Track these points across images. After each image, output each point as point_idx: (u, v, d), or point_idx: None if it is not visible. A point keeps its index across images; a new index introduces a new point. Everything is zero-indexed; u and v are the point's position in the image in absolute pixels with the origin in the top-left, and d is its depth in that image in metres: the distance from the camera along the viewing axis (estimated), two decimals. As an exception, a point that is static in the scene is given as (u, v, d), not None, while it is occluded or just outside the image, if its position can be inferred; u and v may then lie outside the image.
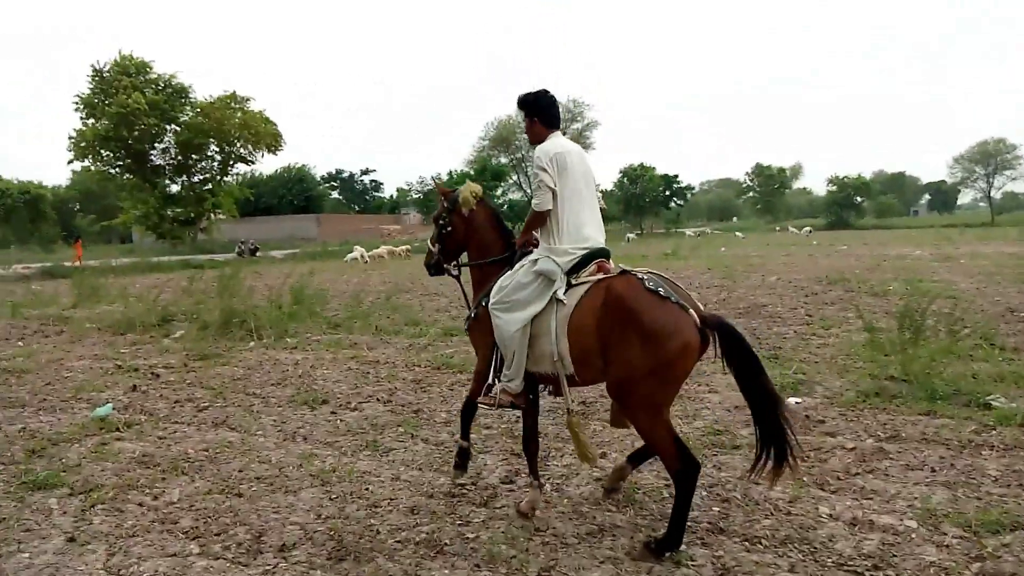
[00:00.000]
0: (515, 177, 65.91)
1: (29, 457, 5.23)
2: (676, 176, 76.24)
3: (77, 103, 41.85)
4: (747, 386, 3.39)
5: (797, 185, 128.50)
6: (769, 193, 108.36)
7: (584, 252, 3.75)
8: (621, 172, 76.06)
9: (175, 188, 46.88)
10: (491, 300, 3.89)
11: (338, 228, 59.14)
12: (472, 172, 61.19)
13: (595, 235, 3.86)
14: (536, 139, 4.01)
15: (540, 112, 4.01)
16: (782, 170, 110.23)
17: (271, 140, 46.42)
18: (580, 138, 63.80)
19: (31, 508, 4.28)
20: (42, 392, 7.46)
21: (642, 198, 74.12)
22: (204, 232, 47.95)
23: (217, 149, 46.12)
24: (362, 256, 31.35)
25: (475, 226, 4.31)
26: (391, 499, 4.26)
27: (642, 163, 75.05)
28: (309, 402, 6.66)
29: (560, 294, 3.63)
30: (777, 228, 74.11)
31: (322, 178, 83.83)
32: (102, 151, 42.56)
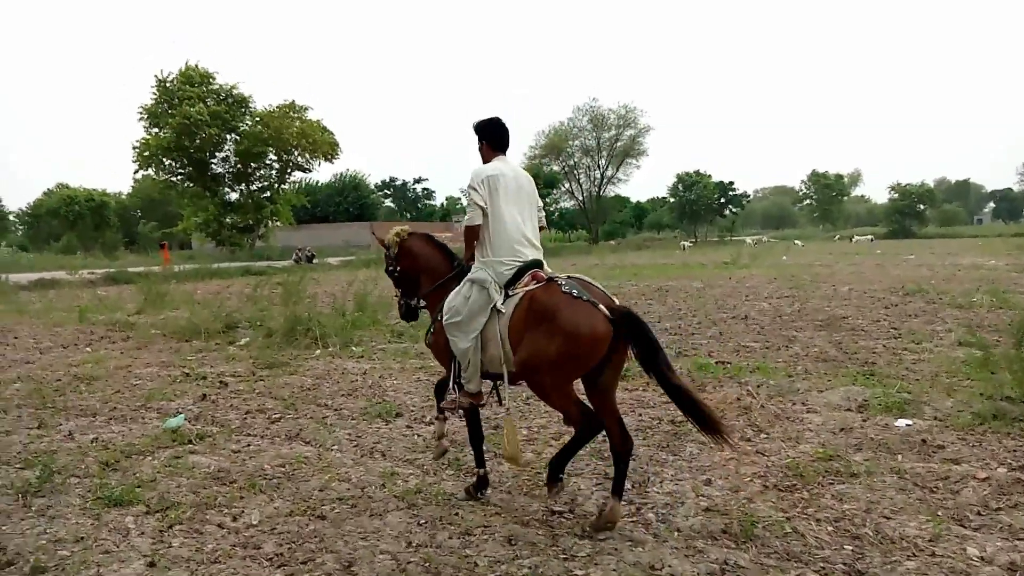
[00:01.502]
0: (567, 185, 65.64)
1: (103, 470, 5.08)
2: (731, 183, 74.92)
3: (141, 113, 42.87)
4: (650, 366, 3.86)
5: (855, 192, 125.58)
6: (827, 201, 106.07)
7: (519, 265, 4.14)
8: (676, 178, 75.14)
9: (234, 196, 47.67)
10: (444, 318, 4.24)
11: (392, 235, 59.34)
12: (525, 180, 61.09)
13: (529, 249, 4.22)
14: (485, 159, 4.41)
15: (489, 136, 4.41)
16: (840, 177, 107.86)
17: (328, 149, 46.89)
18: (633, 144, 63.24)
19: (108, 527, 4.09)
20: (112, 400, 7.37)
21: (697, 205, 73.03)
22: (262, 239, 48.61)
23: (275, 158, 46.75)
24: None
25: (415, 256, 4.73)
26: (484, 526, 3.96)
27: (697, 170, 74.06)
28: (383, 415, 6.42)
29: (499, 305, 4.03)
30: (836, 236, 72.31)
31: (376, 186, 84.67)
32: (165, 160, 43.51)
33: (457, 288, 4.27)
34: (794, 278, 20.74)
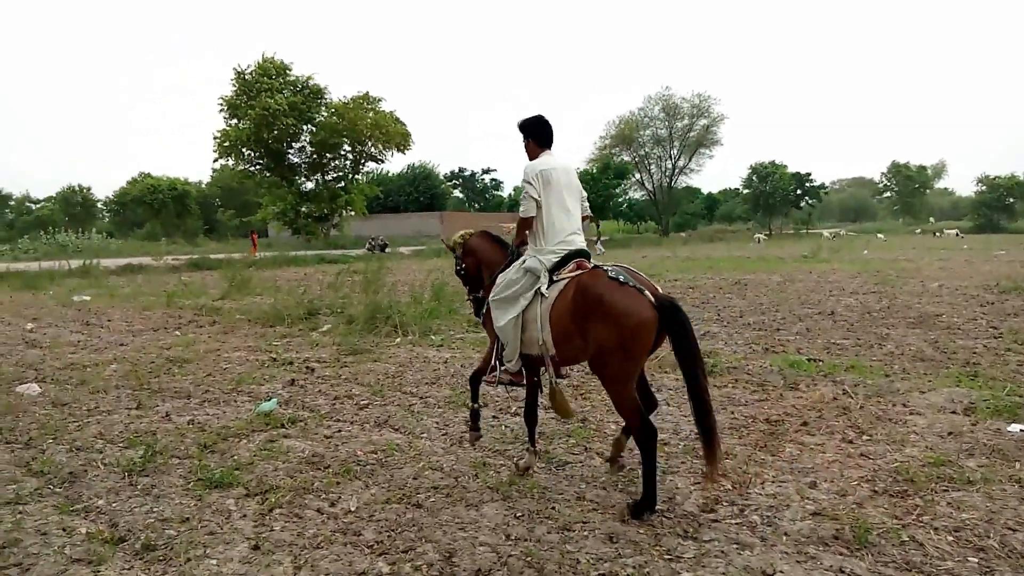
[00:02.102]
0: (637, 175, 64.82)
1: (202, 452, 5.20)
2: (808, 174, 72.77)
3: (221, 104, 44.13)
4: (684, 356, 3.92)
5: (938, 185, 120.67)
6: (908, 193, 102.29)
7: (565, 252, 4.37)
8: (750, 169, 73.44)
9: (310, 186, 48.71)
10: (490, 296, 4.60)
11: (460, 225, 59.47)
12: (594, 170, 60.59)
13: (575, 239, 4.46)
14: (531, 156, 4.64)
15: (534, 134, 4.64)
16: (923, 169, 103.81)
17: (400, 139, 47.44)
18: (707, 134, 62.00)
19: (211, 508, 4.17)
20: (204, 383, 7.57)
21: (772, 197, 71.21)
22: (336, 228, 49.59)
23: (350, 148, 47.56)
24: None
25: (475, 252, 5.09)
26: (583, 522, 3.88)
27: (772, 160, 72.24)
28: (468, 404, 6.39)
29: (543, 289, 4.26)
30: (918, 230, 69.64)
31: (445, 176, 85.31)
32: (244, 150, 44.73)
33: (507, 271, 4.57)
34: (879, 273, 20.01)
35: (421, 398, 6.75)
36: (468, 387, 5.09)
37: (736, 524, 3.84)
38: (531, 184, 4.42)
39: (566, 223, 4.42)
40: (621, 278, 3.97)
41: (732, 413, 5.98)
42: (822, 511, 3.96)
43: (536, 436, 4.91)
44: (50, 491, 4.51)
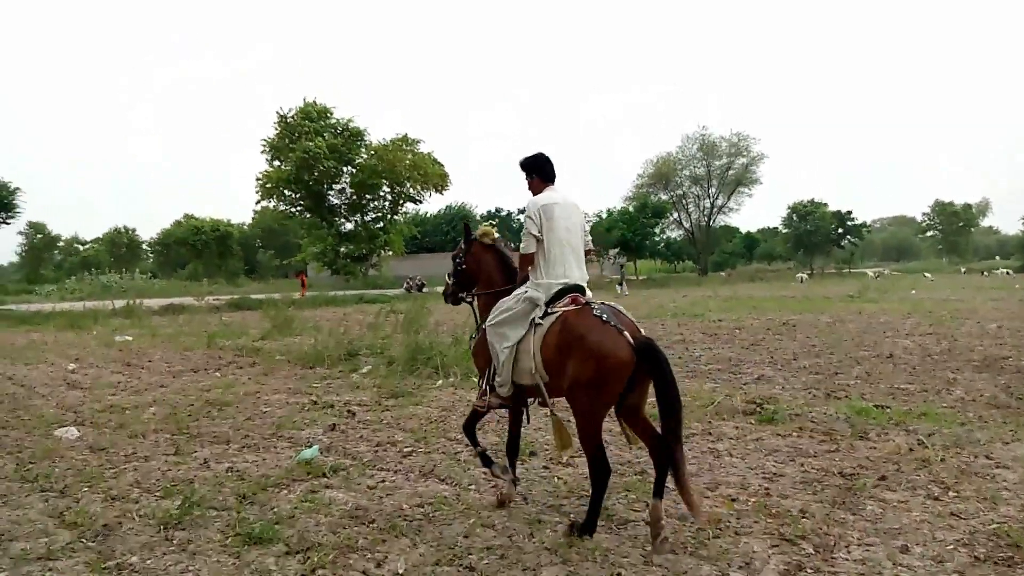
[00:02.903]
0: (676, 214, 64.34)
1: (241, 504, 4.94)
2: (849, 212, 71.61)
3: (264, 146, 44.94)
4: (662, 398, 4.04)
5: (983, 223, 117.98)
6: (953, 232, 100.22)
7: (561, 286, 4.45)
8: (789, 208, 72.52)
9: (349, 226, 49.15)
10: (488, 321, 4.64)
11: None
12: (631, 209, 60.32)
13: (573, 273, 4.55)
14: (535, 192, 4.74)
15: (537, 170, 4.76)
16: (968, 207, 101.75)
17: (438, 180, 47.79)
18: (746, 173, 61.50)
19: (250, 567, 3.89)
20: (244, 428, 7.36)
21: (813, 236, 70.12)
22: (375, 268, 49.86)
23: (388, 189, 48.00)
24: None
25: (485, 265, 5.08)
26: (654, 591, 3.52)
27: (812, 199, 71.28)
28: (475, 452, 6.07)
29: (538, 319, 4.35)
30: (963, 269, 67.92)
31: (482, 216, 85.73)
32: (285, 191, 45.39)
33: (506, 300, 4.62)
34: (931, 313, 19.35)
35: (467, 445, 6.41)
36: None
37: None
38: (532, 220, 4.54)
39: (566, 258, 4.54)
40: (604, 316, 4.09)
41: (802, 465, 5.57)
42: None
43: (516, 465, 5.02)
44: (82, 545, 4.27)
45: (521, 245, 4.61)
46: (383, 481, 5.44)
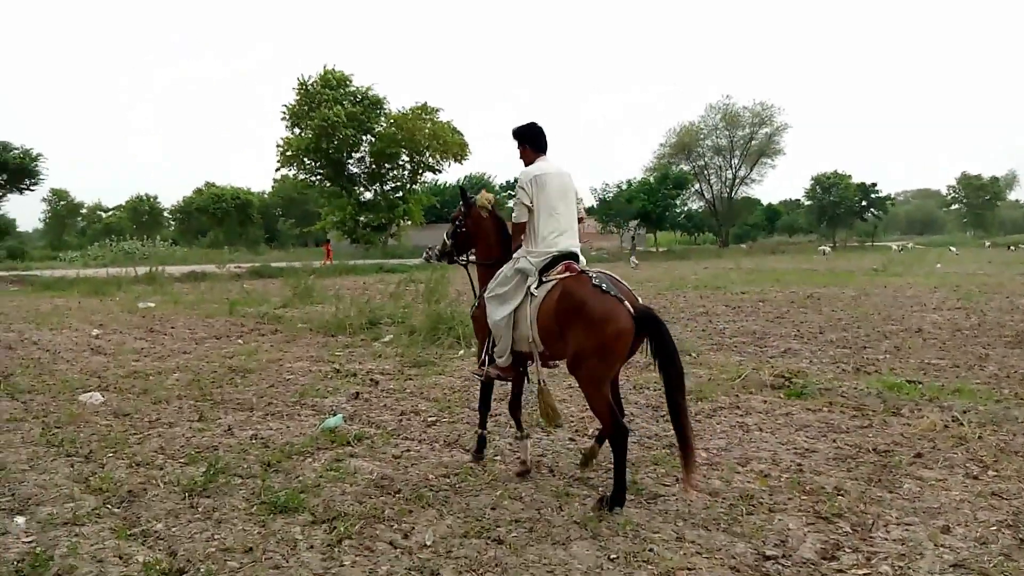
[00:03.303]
0: (697, 185, 63.57)
1: (266, 471, 4.90)
2: (874, 185, 70.41)
3: (284, 113, 44.76)
4: (665, 368, 4.11)
5: (1011, 197, 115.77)
6: (979, 205, 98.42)
7: (555, 254, 4.51)
8: (812, 180, 71.41)
9: (368, 196, 48.99)
10: (486, 291, 4.73)
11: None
12: (652, 180, 59.70)
13: (566, 241, 4.58)
14: (527, 162, 4.80)
15: (529, 140, 4.80)
16: (995, 180, 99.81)
17: (458, 150, 47.42)
18: (769, 143, 60.57)
19: (276, 537, 3.84)
20: (267, 395, 7.34)
21: (836, 208, 69.12)
22: (394, 237, 49.79)
23: (408, 158, 47.71)
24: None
25: (483, 230, 5.08)
26: (688, 568, 3.42)
27: (836, 171, 70.11)
28: (541, 424, 5.99)
29: (533, 289, 4.43)
30: (987, 243, 66.86)
31: (500, 186, 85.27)
32: (305, 160, 45.26)
33: (502, 269, 4.69)
34: (959, 288, 18.98)
35: (491, 416, 6.37)
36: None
37: (865, 575, 3.35)
38: (524, 190, 4.59)
39: (558, 226, 4.57)
40: (604, 286, 4.15)
41: (835, 441, 5.45)
42: (963, 562, 3.44)
43: (522, 422, 5.05)
44: (108, 511, 4.26)
45: (513, 214, 4.68)
46: (408, 451, 5.39)
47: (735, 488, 4.49)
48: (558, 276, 4.39)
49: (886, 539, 3.74)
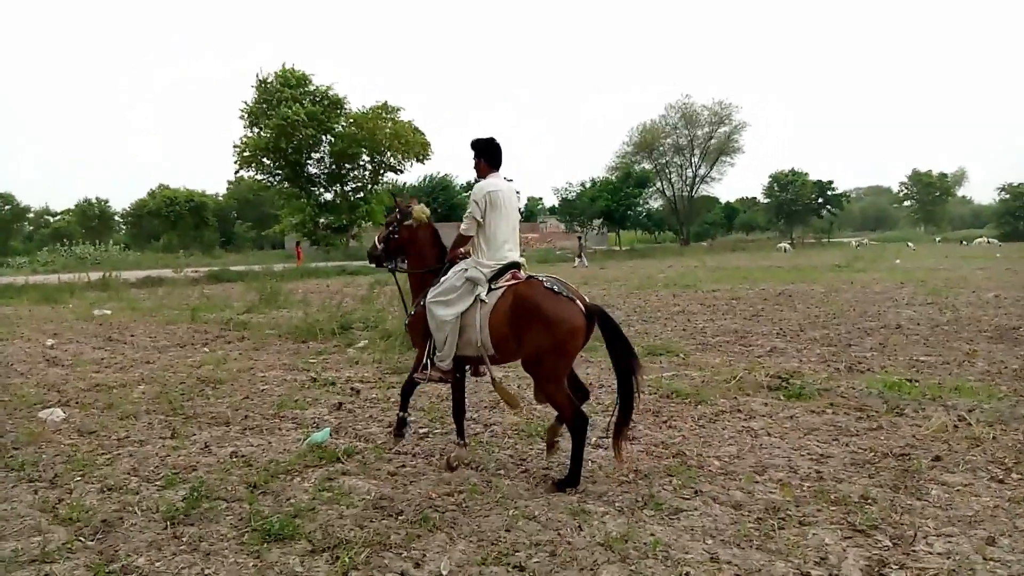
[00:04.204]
0: (659, 184, 63.86)
1: (252, 494, 4.52)
2: (831, 182, 71.56)
3: (242, 112, 43.73)
4: (618, 361, 4.50)
5: (960, 193, 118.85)
6: (930, 202, 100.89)
7: (502, 264, 4.76)
8: (770, 178, 72.33)
9: (328, 197, 48.16)
10: (429, 297, 4.86)
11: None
12: (615, 179, 59.81)
13: (512, 253, 4.86)
14: (481, 175, 5.01)
15: (487, 155, 4.99)
16: (944, 176, 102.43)
17: (420, 149, 46.87)
18: (728, 141, 61.12)
19: (274, 570, 3.48)
20: (243, 407, 6.92)
21: (794, 205, 70.10)
22: (355, 239, 49.03)
23: (368, 159, 47.01)
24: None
25: (417, 240, 5.28)
26: (733, 593, 3.17)
27: (793, 168, 71.14)
28: (540, 434, 5.70)
29: (483, 296, 4.63)
30: (938, 239, 68.44)
31: (462, 187, 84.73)
32: (264, 160, 44.29)
33: (447, 277, 4.86)
34: (924, 283, 19.22)
35: (486, 425, 6.08)
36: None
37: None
38: (477, 205, 4.78)
39: (506, 239, 4.83)
40: (556, 288, 4.47)
41: (847, 445, 5.25)
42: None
43: (465, 430, 5.23)
44: (81, 545, 3.84)
45: (462, 226, 4.84)
46: (404, 466, 5.05)
47: (758, 500, 4.25)
48: (507, 283, 4.64)
49: (930, 553, 3.52)
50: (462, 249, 4.99)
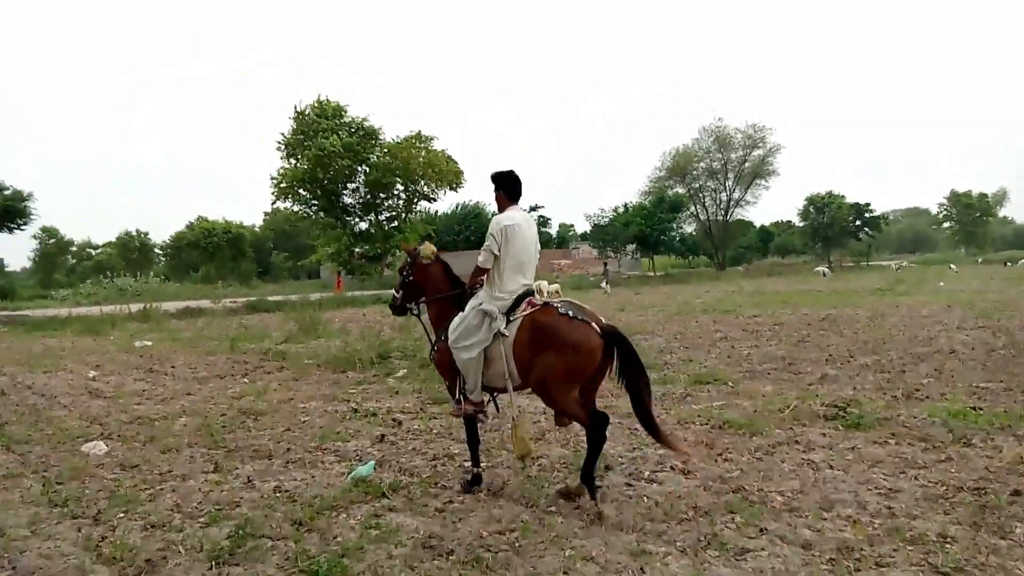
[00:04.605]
0: (692, 208, 63.35)
1: (298, 531, 4.39)
2: (868, 204, 70.41)
3: (279, 144, 44.37)
4: (630, 379, 4.58)
5: (1001, 213, 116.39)
6: (971, 223, 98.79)
7: (517, 295, 4.84)
8: (806, 201, 71.37)
9: (363, 226, 48.50)
10: (450, 338, 4.98)
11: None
12: (648, 204, 59.49)
13: (526, 283, 4.94)
14: (500, 208, 5.11)
15: (505, 187, 5.09)
16: (984, 197, 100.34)
17: (453, 178, 47.02)
18: (763, 165, 60.54)
19: (324, 615, 3.33)
20: (284, 440, 6.83)
21: (831, 228, 69.04)
22: (389, 268, 49.23)
23: (403, 188, 47.33)
24: (538, 290, 30.88)
25: (430, 276, 5.46)
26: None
27: (830, 191, 70.18)
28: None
29: (503, 329, 4.71)
30: (980, 260, 66.85)
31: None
32: (300, 191, 44.81)
33: (464, 314, 4.96)
34: (972, 306, 18.65)
35: (533, 458, 5.88)
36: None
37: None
38: (494, 239, 4.84)
39: (521, 271, 4.92)
40: (570, 313, 4.59)
41: (916, 479, 4.98)
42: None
43: (479, 457, 5.27)
44: (125, 586, 3.74)
45: (479, 258, 4.91)
46: (451, 502, 4.89)
47: (829, 538, 4.01)
48: (523, 313, 4.73)
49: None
50: (483, 279, 5.05)
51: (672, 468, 5.42)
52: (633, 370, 4.56)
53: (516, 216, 4.97)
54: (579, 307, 4.73)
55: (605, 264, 43.65)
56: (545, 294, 30.81)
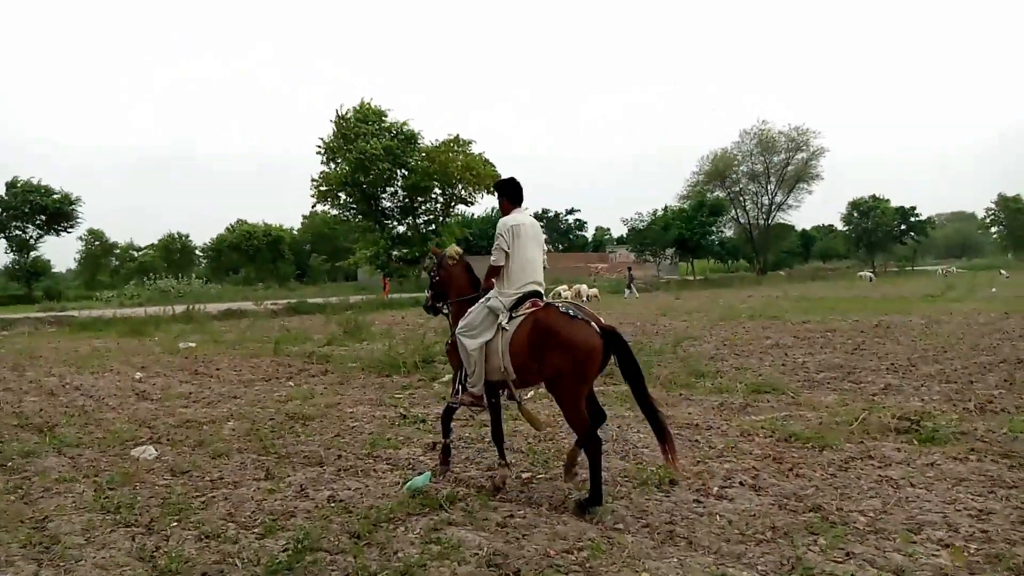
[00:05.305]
0: (732, 212, 62.53)
1: (356, 544, 4.22)
2: (913, 208, 68.88)
3: (319, 147, 44.76)
4: (631, 375, 4.80)
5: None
6: (1019, 227, 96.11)
7: (522, 293, 5.06)
8: (850, 205, 70.03)
9: (401, 229, 48.73)
10: (457, 329, 5.24)
11: (559, 265, 58.81)
12: (687, 208, 58.89)
13: (533, 283, 5.16)
14: (505, 212, 5.40)
15: (509, 193, 5.42)
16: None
17: (490, 181, 47.09)
18: (806, 168, 59.48)
19: (391, 639, 3.15)
20: (334, 446, 6.70)
21: (874, 233, 67.63)
22: (426, 271, 49.45)
23: (440, 191, 47.48)
24: (577, 294, 30.77)
25: (454, 275, 5.72)
26: None
27: (874, 195, 68.76)
28: (652, 481, 5.27)
29: (504, 324, 4.93)
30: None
31: (535, 215, 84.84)
32: (340, 195, 45.17)
33: (472, 309, 5.21)
34: (1031, 312, 17.95)
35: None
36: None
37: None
38: (503, 237, 5.10)
39: (528, 270, 5.14)
40: (571, 312, 4.75)
41: (1008, 499, 4.65)
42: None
43: (504, 451, 5.52)
44: (183, 601, 3.60)
45: (492, 258, 5.15)
46: (512, 516, 4.68)
47: (922, 564, 3.73)
48: (526, 311, 4.90)
49: None
50: (494, 279, 5.23)
51: (741, 483, 5.16)
52: (630, 368, 4.75)
53: (520, 217, 5.26)
54: (580, 308, 4.89)
55: (629, 269, 42.88)
56: (584, 298, 30.59)
